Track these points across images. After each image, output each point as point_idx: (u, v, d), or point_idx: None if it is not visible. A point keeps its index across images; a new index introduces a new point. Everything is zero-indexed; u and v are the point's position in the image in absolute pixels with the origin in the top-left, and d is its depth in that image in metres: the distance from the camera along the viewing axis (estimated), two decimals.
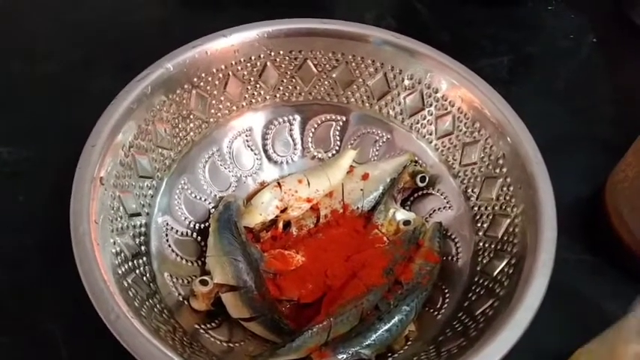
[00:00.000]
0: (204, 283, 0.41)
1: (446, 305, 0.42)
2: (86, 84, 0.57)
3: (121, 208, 0.41)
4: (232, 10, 0.65)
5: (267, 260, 0.44)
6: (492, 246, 0.42)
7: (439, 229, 0.46)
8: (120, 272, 0.37)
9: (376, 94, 0.50)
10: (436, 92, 0.47)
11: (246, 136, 0.51)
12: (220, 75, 0.48)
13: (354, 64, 0.49)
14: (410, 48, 0.47)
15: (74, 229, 0.36)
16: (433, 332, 0.41)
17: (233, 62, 0.48)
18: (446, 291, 0.43)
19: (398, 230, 0.47)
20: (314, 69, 0.50)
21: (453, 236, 0.46)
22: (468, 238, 0.45)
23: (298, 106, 0.52)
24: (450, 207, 0.47)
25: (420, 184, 0.48)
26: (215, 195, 0.48)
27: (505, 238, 0.42)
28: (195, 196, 0.47)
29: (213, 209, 0.47)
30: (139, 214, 0.43)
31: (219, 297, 0.42)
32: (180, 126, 0.47)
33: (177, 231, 0.45)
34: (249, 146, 0.51)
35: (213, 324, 0.41)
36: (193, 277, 0.42)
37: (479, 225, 0.44)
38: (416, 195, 0.50)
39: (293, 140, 0.52)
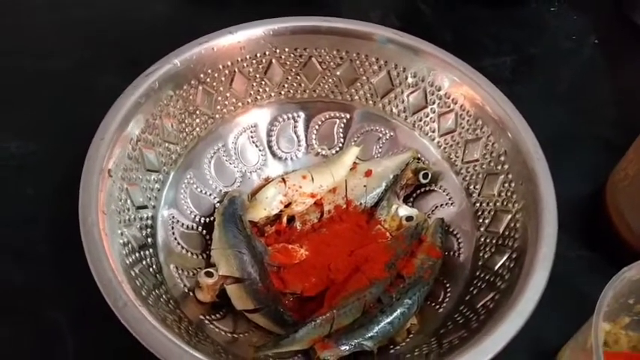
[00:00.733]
0: (209, 274, 0.42)
1: (447, 299, 0.43)
2: (92, 80, 0.58)
3: (129, 200, 0.41)
4: (237, 7, 0.66)
5: (271, 254, 0.44)
6: (494, 241, 0.43)
7: (441, 224, 0.47)
8: (127, 262, 0.38)
9: (380, 91, 0.51)
10: (439, 90, 0.48)
11: (251, 132, 0.52)
12: (226, 71, 0.48)
13: (358, 62, 0.50)
14: (414, 46, 0.48)
15: (83, 220, 0.37)
16: (435, 325, 0.41)
17: (239, 59, 0.49)
18: (447, 285, 0.44)
19: (400, 226, 0.48)
20: (318, 66, 0.51)
21: (454, 232, 0.47)
22: (469, 234, 0.45)
23: (303, 103, 0.52)
24: (452, 203, 0.48)
25: (423, 181, 0.49)
26: (220, 190, 0.49)
27: (506, 233, 0.42)
28: (201, 191, 0.48)
29: (218, 204, 0.48)
30: (145, 207, 0.43)
31: (223, 289, 0.42)
32: (186, 121, 0.47)
33: (182, 224, 0.46)
34: (254, 142, 0.52)
35: (217, 315, 0.42)
36: (198, 270, 0.43)
37: (480, 221, 0.45)
38: (418, 192, 0.51)
39: (297, 137, 0.53)
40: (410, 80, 0.49)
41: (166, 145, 0.46)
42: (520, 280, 0.37)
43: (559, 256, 0.38)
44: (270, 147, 0.52)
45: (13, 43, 0.62)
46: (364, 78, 0.51)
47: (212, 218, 0.47)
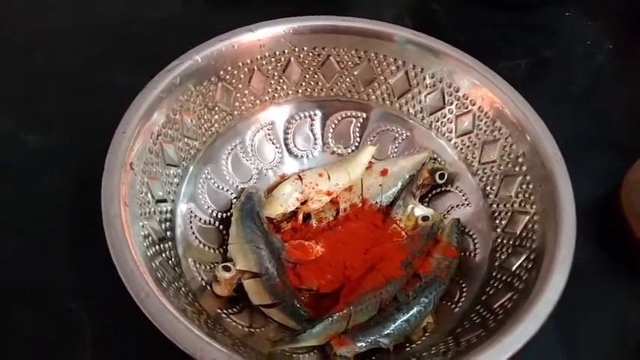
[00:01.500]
0: (227, 269, 0.42)
1: (463, 299, 0.43)
2: (110, 77, 0.58)
3: (149, 193, 0.42)
4: (251, 7, 0.66)
5: (288, 250, 0.45)
6: (511, 242, 0.43)
7: (457, 225, 0.47)
8: (148, 254, 0.38)
9: (397, 92, 0.51)
10: (457, 91, 0.48)
11: (269, 129, 0.52)
12: (246, 69, 0.49)
13: (376, 61, 0.50)
14: (433, 47, 0.48)
15: (105, 211, 0.37)
16: (451, 324, 0.41)
17: (258, 57, 0.49)
18: (463, 285, 0.44)
19: (416, 225, 0.48)
20: (336, 66, 0.51)
21: (470, 232, 0.47)
22: (486, 235, 0.46)
23: (320, 102, 0.53)
24: (468, 204, 0.48)
25: (439, 181, 0.49)
26: (237, 186, 0.49)
27: (524, 235, 0.42)
28: (218, 186, 0.48)
29: (235, 199, 0.48)
30: (165, 201, 0.44)
31: (240, 284, 0.43)
32: (205, 117, 0.48)
33: (200, 219, 0.46)
34: (270, 140, 0.52)
35: (234, 309, 0.42)
36: (216, 264, 0.43)
37: (497, 222, 0.45)
38: (434, 192, 0.51)
39: (314, 135, 0.53)
40: (428, 81, 0.49)
41: (186, 140, 0.46)
42: (539, 281, 0.37)
43: (574, 258, 0.38)
44: (286, 145, 0.52)
45: (28, 39, 0.63)
46: (382, 78, 0.51)
47: (229, 213, 0.48)
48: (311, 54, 0.50)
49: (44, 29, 0.64)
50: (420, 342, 0.41)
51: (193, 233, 0.45)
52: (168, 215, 0.44)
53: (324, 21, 0.49)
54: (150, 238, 0.40)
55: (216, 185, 0.48)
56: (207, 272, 0.44)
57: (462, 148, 0.49)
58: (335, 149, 0.53)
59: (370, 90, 0.52)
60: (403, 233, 0.47)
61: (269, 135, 0.52)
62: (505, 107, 0.45)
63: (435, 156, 0.50)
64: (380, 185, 0.50)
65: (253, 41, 0.48)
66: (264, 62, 0.49)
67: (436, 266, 0.44)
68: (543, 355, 0.43)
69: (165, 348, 0.34)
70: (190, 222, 0.45)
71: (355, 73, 0.51)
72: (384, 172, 0.50)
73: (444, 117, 0.50)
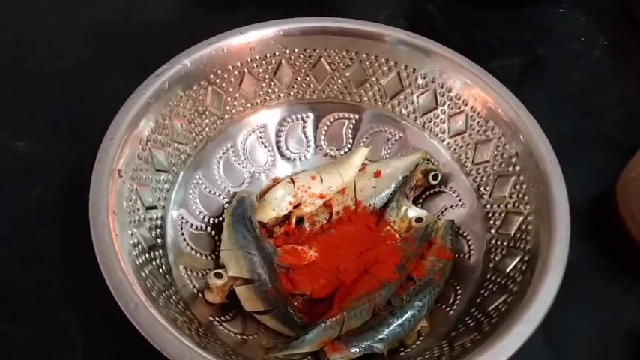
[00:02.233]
0: (218, 275, 0.41)
1: (458, 301, 0.43)
2: (101, 81, 0.58)
3: (139, 200, 0.41)
4: (247, 9, 0.66)
5: (280, 255, 0.44)
6: (505, 243, 0.43)
7: (451, 226, 0.47)
8: (138, 263, 0.38)
9: (389, 92, 0.51)
10: (449, 91, 0.48)
11: (260, 132, 0.51)
12: (236, 72, 0.48)
13: (367, 62, 0.50)
14: (425, 47, 0.48)
15: (93, 220, 0.37)
16: (445, 327, 0.41)
17: (249, 59, 0.48)
18: (458, 288, 0.44)
19: (410, 227, 0.48)
20: (328, 67, 0.51)
21: (465, 234, 0.46)
22: (480, 236, 0.45)
23: (312, 104, 0.52)
24: (462, 205, 0.48)
25: (433, 182, 0.49)
26: (229, 190, 0.49)
27: (518, 236, 0.42)
28: (210, 191, 0.48)
29: (227, 204, 0.48)
30: (155, 207, 0.43)
31: (233, 290, 0.42)
32: (195, 122, 0.47)
33: (192, 225, 0.46)
34: (262, 143, 0.51)
35: (227, 316, 0.42)
36: (208, 270, 0.43)
37: (491, 223, 0.45)
38: (428, 193, 0.50)
39: (306, 137, 0.53)
40: (420, 81, 0.49)
41: (176, 145, 0.46)
42: (533, 283, 0.37)
43: (569, 258, 0.38)
44: (278, 147, 0.52)
45: (18, 43, 0.62)
46: (374, 79, 0.50)
47: (221, 219, 0.47)
48: (302, 56, 0.50)
49: (35, 33, 0.63)
50: (414, 346, 0.41)
51: (185, 240, 0.45)
52: (159, 222, 0.43)
53: (314, 22, 0.49)
54: (139, 246, 0.39)
55: (207, 190, 0.48)
56: (198, 279, 0.43)
57: (455, 149, 0.49)
58: (328, 151, 0.53)
59: (362, 91, 0.51)
60: (397, 235, 0.47)
61: (261, 138, 0.51)
62: (498, 107, 0.45)
63: (429, 157, 0.50)
64: (373, 187, 0.49)
65: (243, 44, 0.48)
66: (254, 65, 0.49)
67: (430, 268, 0.43)
68: (535, 354, 0.43)
69: (156, 358, 0.33)
70: (181, 228, 0.45)
71: (347, 74, 0.51)
72: (377, 174, 0.50)
73: (437, 117, 0.49)
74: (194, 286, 0.42)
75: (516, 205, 0.43)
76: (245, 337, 0.41)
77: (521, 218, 0.42)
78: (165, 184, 0.45)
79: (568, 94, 0.61)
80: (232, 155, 0.50)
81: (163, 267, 0.41)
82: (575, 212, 0.41)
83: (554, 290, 0.36)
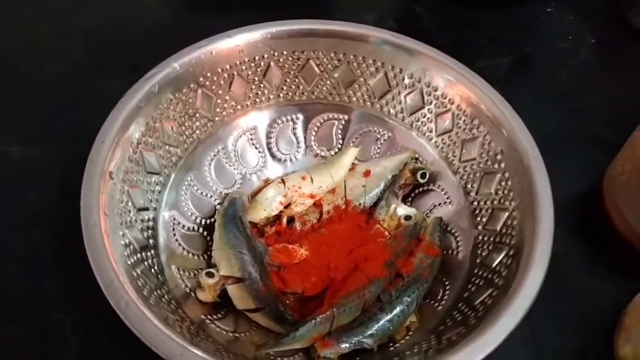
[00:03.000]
0: (210, 275, 0.42)
1: (446, 297, 0.43)
2: (94, 85, 0.59)
3: (130, 202, 0.42)
4: (238, 12, 0.67)
5: (271, 254, 0.45)
6: (491, 239, 0.43)
7: (439, 223, 0.47)
8: (129, 263, 0.38)
9: (377, 93, 0.51)
10: (435, 90, 0.49)
11: (251, 134, 0.52)
12: (225, 75, 0.49)
13: (355, 63, 0.51)
14: (409, 47, 0.48)
15: (85, 221, 0.37)
16: (434, 322, 0.42)
17: (238, 62, 0.49)
18: (446, 283, 0.44)
19: (399, 225, 0.48)
20: (316, 69, 0.51)
21: (453, 230, 0.47)
22: (467, 232, 0.46)
23: (301, 106, 0.53)
24: (450, 202, 0.48)
25: (421, 181, 0.50)
26: (220, 192, 0.50)
27: (504, 231, 0.43)
28: (202, 193, 0.49)
29: (219, 205, 0.49)
30: (146, 209, 0.44)
31: (224, 289, 0.43)
32: (186, 124, 0.48)
33: (183, 226, 0.46)
34: (253, 144, 0.52)
35: (219, 315, 0.42)
36: (199, 270, 0.43)
37: (478, 219, 0.46)
38: (417, 191, 0.51)
39: (296, 138, 0.53)
40: (407, 81, 0.50)
41: (167, 147, 0.47)
42: (517, 277, 0.37)
43: (557, 253, 0.38)
44: (269, 149, 0.53)
45: (13, 48, 0.63)
46: (361, 80, 0.51)
47: (213, 220, 0.48)
48: (290, 58, 0.51)
49: (29, 37, 0.64)
50: (403, 341, 0.41)
51: (177, 240, 0.45)
52: (150, 223, 0.44)
53: (302, 25, 0.49)
54: (131, 246, 0.40)
55: (199, 192, 0.49)
56: (191, 279, 0.44)
57: (442, 147, 0.49)
58: (318, 152, 0.54)
59: (351, 92, 0.52)
60: (386, 233, 0.48)
61: (252, 140, 0.52)
62: (481, 104, 0.45)
63: (417, 156, 0.51)
64: (363, 186, 0.50)
65: (232, 47, 0.48)
66: (243, 67, 0.50)
67: (419, 265, 0.44)
68: (524, 344, 0.44)
69: (150, 357, 0.34)
70: (173, 229, 0.46)
71: (335, 75, 0.51)
72: (366, 174, 0.50)
73: (424, 117, 0.50)
74: (186, 286, 0.43)
75: (502, 201, 0.44)
76: (237, 335, 0.41)
77: (506, 214, 0.43)
78: (156, 185, 0.45)
79: (556, 93, 0.62)
80: (223, 157, 0.51)
81: (155, 267, 0.42)
82: (564, 208, 0.41)
83: (538, 283, 0.36)
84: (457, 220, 0.47)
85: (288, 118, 0.53)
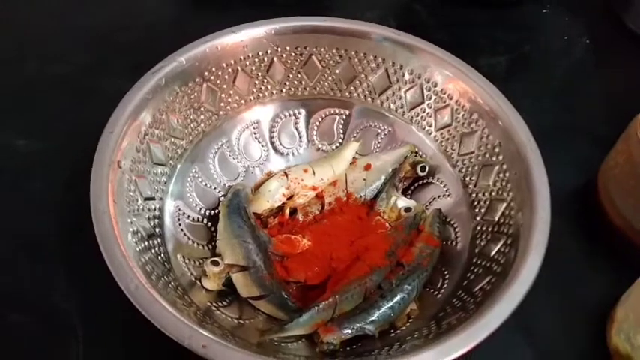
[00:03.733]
0: (215, 263, 0.43)
1: (446, 285, 0.44)
2: (99, 82, 0.60)
3: (137, 191, 0.43)
4: (240, 10, 0.67)
5: (275, 243, 0.46)
6: (489, 229, 0.45)
7: (439, 215, 0.48)
8: (137, 249, 0.39)
9: (378, 88, 0.53)
10: (435, 86, 0.50)
11: (254, 128, 0.53)
12: (230, 69, 0.50)
13: (356, 60, 0.52)
14: (409, 44, 0.50)
15: (94, 208, 0.38)
16: (433, 310, 0.43)
17: (242, 57, 0.50)
18: (446, 273, 0.45)
19: (399, 217, 0.49)
20: (318, 65, 0.52)
21: (452, 222, 0.48)
22: (466, 223, 0.47)
23: (303, 101, 0.54)
24: (449, 195, 0.50)
25: (421, 174, 0.51)
26: (224, 184, 0.51)
27: (502, 221, 0.44)
28: (206, 185, 0.50)
29: (223, 197, 0.49)
30: (153, 199, 0.45)
31: (229, 277, 0.44)
32: (191, 117, 0.49)
33: (188, 216, 0.47)
34: (256, 138, 0.53)
35: (224, 302, 0.43)
36: (205, 259, 0.44)
37: (476, 210, 0.47)
38: (417, 184, 0.52)
39: (298, 133, 0.54)
40: (407, 77, 0.51)
41: (172, 139, 0.48)
42: (515, 264, 0.39)
43: (553, 244, 0.39)
44: (272, 143, 0.54)
45: (21, 47, 0.64)
46: (363, 76, 0.52)
47: (217, 211, 0.49)
48: (293, 54, 0.52)
49: (34, 36, 0.65)
50: (404, 328, 0.42)
51: (182, 230, 0.46)
52: (157, 213, 0.45)
53: (305, 21, 0.51)
54: (139, 234, 0.41)
55: (203, 184, 0.50)
56: (196, 267, 0.45)
57: (441, 141, 0.51)
58: (320, 146, 0.55)
59: (352, 88, 0.53)
60: (387, 225, 0.49)
61: (255, 134, 0.53)
62: (479, 97, 0.47)
63: (417, 150, 0.52)
64: (364, 179, 0.51)
65: (236, 42, 0.49)
66: (247, 63, 0.51)
67: (419, 255, 0.45)
68: (520, 333, 0.45)
69: (157, 346, 0.34)
70: (179, 219, 0.47)
71: (337, 71, 0.53)
72: (367, 167, 0.51)
73: (424, 112, 0.51)
74: (192, 274, 0.44)
75: (500, 192, 0.45)
76: (242, 322, 0.42)
77: (504, 204, 0.44)
78: (162, 176, 0.46)
79: (552, 90, 0.63)
80: (227, 150, 0.52)
81: (162, 255, 0.43)
82: (559, 202, 0.42)
83: (535, 269, 0.37)
84: (456, 211, 0.48)
85: (291, 112, 0.54)
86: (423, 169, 0.50)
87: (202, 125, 0.50)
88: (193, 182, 0.49)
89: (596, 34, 0.69)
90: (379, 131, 0.54)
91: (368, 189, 0.51)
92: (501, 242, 0.42)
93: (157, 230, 0.44)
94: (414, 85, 0.51)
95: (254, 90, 0.52)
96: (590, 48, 0.68)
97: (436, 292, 0.44)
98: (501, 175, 0.45)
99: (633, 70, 0.65)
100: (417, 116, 0.52)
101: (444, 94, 0.50)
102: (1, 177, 0.53)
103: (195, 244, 0.47)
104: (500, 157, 0.45)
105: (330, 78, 0.53)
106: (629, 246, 0.47)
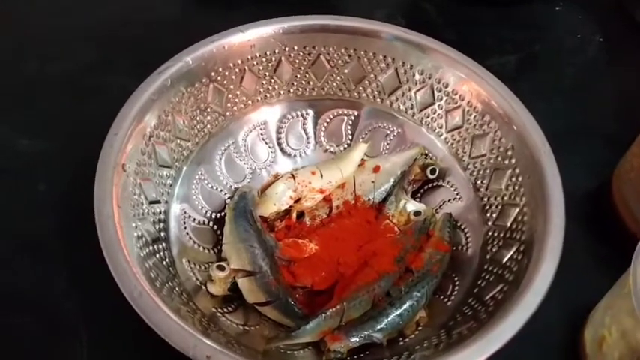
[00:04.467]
0: (221, 268, 0.42)
1: (456, 292, 0.43)
2: (103, 81, 0.59)
3: (142, 195, 0.42)
4: (246, 8, 0.67)
5: (281, 248, 0.45)
6: (501, 235, 0.44)
7: (449, 219, 0.47)
8: (141, 255, 0.38)
9: (387, 89, 0.52)
10: (446, 87, 0.49)
11: (261, 129, 0.52)
12: (237, 69, 0.49)
13: (365, 59, 0.51)
14: (420, 44, 0.49)
15: (98, 212, 0.38)
16: (443, 318, 0.42)
17: (249, 57, 0.49)
18: (456, 279, 0.44)
19: (409, 221, 0.49)
20: (327, 64, 0.51)
21: (462, 226, 0.47)
22: (477, 228, 0.46)
23: (311, 101, 0.53)
24: (459, 198, 0.49)
25: (431, 177, 0.50)
26: (231, 186, 0.50)
27: (514, 227, 0.43)
28: (212, 187, 0.49)
29: (229, 200, 0.49)
30: (158, 202, 0.44)
31: (235, 282, 0.43)
32: (197, 118, 0.48)
33: (194, 219, 0.47)
34: (263, 139, 0.52)
35: (229, 308, 0.43)
36: (210, 264, 0.44)
37: (488, 215, 0.46)
38: (426, 187, 0.51)
39: (306, 134, 0.53)
40: (417, 77, 0.50)
41: (178, 141, 0.47)
42: (528, 272, 0.38)
43: (566, 249, 0.38)
44: (279, 144, 0.53)
45: (22, 46, 0.63)
46: (372, 76, 0.51)
47: (223, 214, 0.48)
48: (301, 53, 0.51)
49: (37, 34, 0.64)
50: (413, 336, 0.41)
51: (187, 234, 0.46)
52: (162, 216, 0.44)
53: (313, 20, 0.50)
54: (143, 238, 0.40)
55: (209, 186, 0.49)
56: (202, 272, 0.44)
57: (452, 143, 0.50)
58: (327, 147, 0.54)
59: (361, 88, 0.52)
60: (396, 229, 0.48)
61: (262, 135, 0.52)
62: (492, 100, 0.46)
63: (427, 152, 0.51)
64: (372, 182, 0.50)
65: (243, 42, 0.49)
66: (254, 62, 0.50)
67: (428, 260, 0.44)
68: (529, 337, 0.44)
69: (161, 350, 0.34)
70: (184, 223, 0.46)
71: (346, 71, 0.52)
72: (376, 169, 0.51)
73: (434, 113, 0.50)
74: (197, 279, 0.43)
75: (512, 197, 0.44)
76: (247, 328, 0.41)
77: (517, 210, 0.43)
78: (168, 179, 0.46)
79: (564, 90, 0.62)
80: (234, 151, 0.51)
81: (167, 259, 0.42)
82: (573, 205, 0.41)
83: (549, 278, 0.36)
84: (467, 216, 0.47)
85: (298, 113, 0.53)
86: (433, 171, 0.49)
87: (209, 126, 0.49)
88: (199, 184, 0.48)
89: (610, 33, 0.67)
90: (388, 132, 0.53)
91: (376, 192, 0.50)
92: (514, 249, 0.41)
93: (162, 234, 0.43)
94: (425, 85, 0.50)
95: (261, 90, 0.51)
96: (603, 46, 0.66)
97: (446, 300, 0.43)
98: (514, 180, 0.44)
99: None
100: (428, 117, 0.51)
101: (456, 94, 0.48)
102: (2, 177, 0.52)
103: (201, 248, 0.46)
104: (513, 161, 0.44)
105: (338, 78, 0.52)
106: None
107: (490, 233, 0.45)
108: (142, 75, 0.45)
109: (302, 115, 0.53)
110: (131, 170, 0.41)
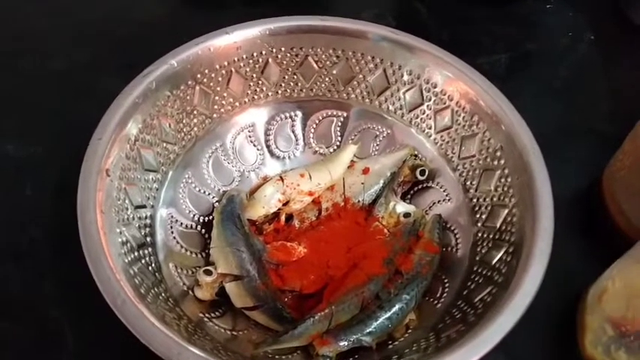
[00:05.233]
0: (208, 272, 0.42)
1: (445, 294, 0.43)
2: (90, 82, 0.58)
3: (127, 200, 0.42)
4: (235, 8, 0.66)
5: (269, 251, 0.45)
6: (491, 236, 0.43)
7: (439, 220, 0.47)
8: (126, 261, 0.38)
9: (376, 89, 0.51)
10: (435, 87, 0.48)
11: (249, 131, 0.52)
12: (223, 71, 0.49)
13: (354, 60, 0.50)
14: (407, 43, 0.48)
15: (81, 218, 0.37)
16: (433, 320, 0.41)
17: (235, 59, 0.49)
18: (445, 281, 0.44)
19: (398, 222, 0.48)
20: (315, 65, 0.51)
21: (452, 227, 0.47)
22: (467, 229, 0.46)
23: (300, 102, 0.53)
24: (449, 199, 0.48)
25: (420, 178, 0.49)
26: (219, 189, 0.49)
27: (503, 228, 0.42)
28: (200, 190, 0.48)
29: (217, 203, 0.48)
30: (144, 207, 0.44)
31: (222, 287, 0.42)
32: (184, 121, 0.48)
33: (181, 223, 0.46)
34: (251, 141, 0.52)
35: (217, 313, 0.42)
36: (198, 268, 0.43)
37: (477, 216, 0.45)
38: (416, 188, 0.51)
39: (295, 136, 0.53)
40: (405, 78, 0.49)
41: (164, 145, 0.46)
42: (517, 274, 0.37)
43: (557, 248, 0.38)
44: (268, 146, 0.52)
45: (10, 44, 0.63)
46: (360, 76, 0.51)
47: (211, 217, 0.47)
48: (289, 54, 0.50)
49: (27, 36, 0.64)
50: (402, 339, 0.41)
51: (174, 238, 0.45)
52: (148, 221, 0.44)
53: (300, 21, 0.49)
54: (128, 244, 0.40)
55: (197, 189, 0.48)
56: (189, 277, 0.44)
57: (441, 144, 0.49)
58: (317, 149, 0.53)
59: (350, 89, 0.52)
60: (385, 231, 0.47)
61: (250, 137, 0.52)
62: (480, 100, 0.45)
63: (416, 153, 0.50)
64: (362, 183, 0.50)
65: (229, 43, 0.48)
66: (241, 64, 0.49)
67: (418, 262, 0.44)
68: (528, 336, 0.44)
69: (147, 357, 0.33)
70: (171, 227, 0.45)
71: (334, 72, 0.51)
72: (365, 171, 0.50)
73: (424, 113, 0.50)
74: (184, 284, 0.43)
75: (502, 198, 0.43)
76: (235, 333, 0.41)
77: (506, 211, 0.43)
78: (154, 183, 0.45)
79: (556, 89, 0.62)
80: (222, 154, 0.50)
81: (153, 265, 0.41)
82: (564, 204, 0.41)
83: (538, 280, 0.36)
84: (456, 217, 0.47)
85: (287, 115, 0.53)
86: (422, 172, 0.49)
87: (195, 129, 0.49)
88: (186, 188, 0.48)
89: (601, 31, 0.67)
90: (377, 133, 0.52)
91: (366, 193, 0.49)
92: (503, 250, 0.41)
93: (148, 239, 0.43)
94: (413, 85, 0.49)
95: (249, 92, 0.51)
96: (594, 44, 0.66)
97: (435, 302, 0.43)
98: (503, 180, 0.44)
99: (639, 67, 0.64)
100: (417, 118, 0.50)
101: (444, 95, 0.48)
102: None
103: (188, 252, 0.45)
104: (502, 162, 0.44)
105: (326, 79, 0.52)
106: None
107: (480, 234, 0.44)
108: (131, 76, 0.45)
109: (290, 117, 0.53)
110: (115, 175, 0.41)
